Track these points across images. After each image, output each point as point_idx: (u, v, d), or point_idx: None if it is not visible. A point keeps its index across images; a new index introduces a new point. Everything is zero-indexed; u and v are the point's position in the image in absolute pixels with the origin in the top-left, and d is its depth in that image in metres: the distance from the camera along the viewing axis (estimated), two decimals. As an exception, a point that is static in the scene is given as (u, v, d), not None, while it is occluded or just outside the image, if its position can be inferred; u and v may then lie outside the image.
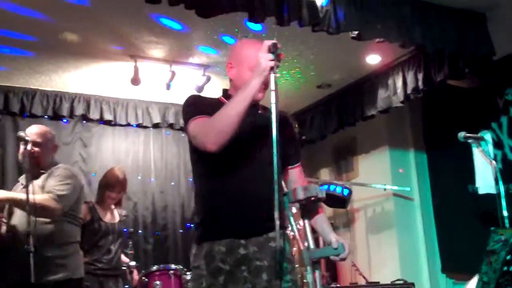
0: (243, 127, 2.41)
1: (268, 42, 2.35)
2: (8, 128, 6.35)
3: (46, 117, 6.49)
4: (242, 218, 2.53)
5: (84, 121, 6.79)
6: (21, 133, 3.73)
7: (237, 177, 2.56)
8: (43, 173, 3.90)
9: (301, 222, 2.59)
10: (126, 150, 7.03)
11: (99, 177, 5.36)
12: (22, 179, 4.03)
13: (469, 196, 6.06)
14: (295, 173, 2.79)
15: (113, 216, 5.09)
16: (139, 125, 7.04)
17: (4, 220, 3.85)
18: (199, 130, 2.48)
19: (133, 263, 5.36)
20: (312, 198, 2.46)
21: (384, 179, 6.76)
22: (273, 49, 2.32)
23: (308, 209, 2.58)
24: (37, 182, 3.81)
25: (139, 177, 6.98)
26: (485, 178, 5.40)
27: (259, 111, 2.69)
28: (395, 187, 6.70)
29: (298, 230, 2.78)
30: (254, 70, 2.39)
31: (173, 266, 5.49)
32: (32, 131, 3.89)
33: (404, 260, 6.57)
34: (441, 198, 6.64)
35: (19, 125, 6.24)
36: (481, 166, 5.59)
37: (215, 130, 2.39)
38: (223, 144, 2.38)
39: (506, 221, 3.88)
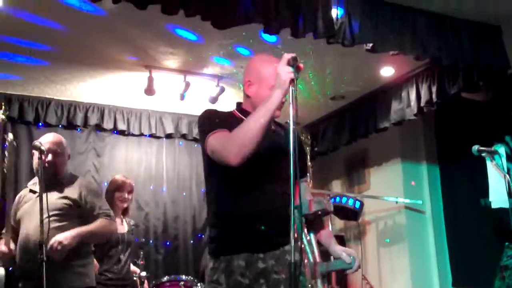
0: (260, 142, 2.40)
1: (287, 55, 2.34)
2: (23, 137, 6.38)
3: (61, 126, 6.52)
4: (260, 233, 2.54)
5: (98, 131, 6.82)
6: (37, 143, 3.65)
7: (253, 192, 2.56)
8: (61, 182, 3.87)
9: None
10: (139, 160, 7.05)
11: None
12: (32, 185, 3.99)
13: (482, 210, 6.01)
14: (304, 186, 2.77)
15: (122, 225, 5.09)
16: (152, 135, 7.06)
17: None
18: (220, 144, 2.47)
19: (144, 274, 5.36)
20: (319, 212, 2.46)
21: (396, 192, 6.73)
22: (292, 62, 2.32)
23: (315, 222, 2.58)
24: (57, 192, 3.78)
25: (151, 187, 6.99)
26: (498, 192, 5.36)
27: (272, 127, 2.68)
28: (407, 200, 6.67)
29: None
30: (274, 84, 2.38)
31: (183, 277, 5.49)
32: (50, 140, 3.84)
33: (415, 273, 6.52)
34: (454, 212, 6.58)
35: (33, 134, 6.28)
36: (494, 179, 5.56)
37: (238, 144, 2.38)
38: (245, 157, 2.37)
39: (520, 236, 3.86)
